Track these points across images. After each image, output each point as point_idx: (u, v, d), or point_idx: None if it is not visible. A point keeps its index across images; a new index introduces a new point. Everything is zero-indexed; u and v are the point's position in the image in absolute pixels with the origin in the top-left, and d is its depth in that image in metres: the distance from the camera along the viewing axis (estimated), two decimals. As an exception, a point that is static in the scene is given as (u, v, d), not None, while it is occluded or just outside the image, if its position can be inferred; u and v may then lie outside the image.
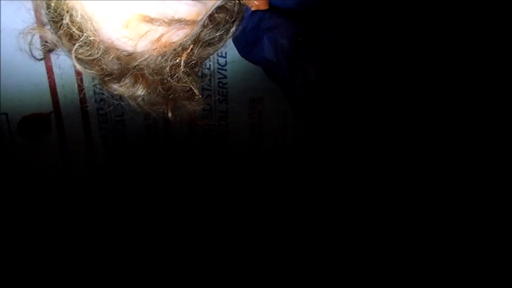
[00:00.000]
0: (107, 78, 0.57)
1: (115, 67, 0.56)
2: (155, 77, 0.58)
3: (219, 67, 1.14)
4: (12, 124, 1.09)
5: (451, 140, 0.76)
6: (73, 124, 1.13)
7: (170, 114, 0.62)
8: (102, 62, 0.56)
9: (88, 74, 0.56)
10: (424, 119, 0.74)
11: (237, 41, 0.83)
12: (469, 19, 0.67)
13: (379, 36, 0.70)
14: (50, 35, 0.57)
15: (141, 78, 0.57)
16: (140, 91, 0.57)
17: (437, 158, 0.78)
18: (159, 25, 0.51)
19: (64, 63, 1.01)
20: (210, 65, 1.13)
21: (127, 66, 0.56)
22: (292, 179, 1.26)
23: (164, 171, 1.22)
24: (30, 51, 0.60)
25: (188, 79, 0.61)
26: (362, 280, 1.17)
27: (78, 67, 0.56)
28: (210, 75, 1.13)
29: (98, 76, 0.57)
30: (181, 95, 0.61)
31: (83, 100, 1.10)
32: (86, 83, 1.07)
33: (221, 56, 1.12)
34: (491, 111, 0.72)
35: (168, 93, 0.60)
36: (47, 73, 1.06)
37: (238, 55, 0.86)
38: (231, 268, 1.26)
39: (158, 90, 0.59)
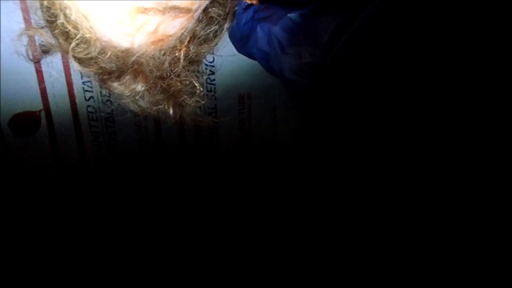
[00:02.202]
0: (107, 77, 0.58)
1: (114, 65, 0.57)
2: (155, 73, 0.59)
3: (207, 63, 1.14)
4: (2, 123, 1.09)
5: (451, 137, 0.75)
6: (63, 122, 1.13)
7: (171, 111, 0.63)
8: (100, 60, 0.56)
9: (87, 73, 0.57)
10: (423, 115, 0.73)
11: (232, 36, 0.82)
12: (469, 19, 0.66)
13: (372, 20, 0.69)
14: (45, 36, 0.57)
15: (140, 75, 0.58)
16: (140, 86, 0.58)
17: (437, 156, 0.78)
18: (154, 14, 0.52)
19: (53, 61, 1.02)
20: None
21: (126, 63, 0.57)
22: (284, 175, 1.26)
23: (156, 168, 1.23)
24: (27, 53, 0.60)
25: (188, 73, 0.62)
26: (362, 280, 1.17)
27: (77, 66, 0.57)
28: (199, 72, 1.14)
29: (97, 76, 0.58)
30: (182, 90, 0.62)
31: (72, 98, 1.10)
32: (76, 81, 1.08)
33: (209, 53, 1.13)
34: (491, 111, 0.72)
35: (169, 89, 0.61)
36: (36, 71, 1.06)
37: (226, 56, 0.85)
38: (227, 267, 1.26)
39: (158, 86, 0.60)
